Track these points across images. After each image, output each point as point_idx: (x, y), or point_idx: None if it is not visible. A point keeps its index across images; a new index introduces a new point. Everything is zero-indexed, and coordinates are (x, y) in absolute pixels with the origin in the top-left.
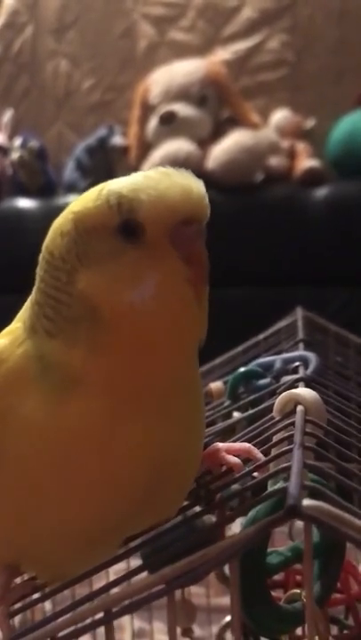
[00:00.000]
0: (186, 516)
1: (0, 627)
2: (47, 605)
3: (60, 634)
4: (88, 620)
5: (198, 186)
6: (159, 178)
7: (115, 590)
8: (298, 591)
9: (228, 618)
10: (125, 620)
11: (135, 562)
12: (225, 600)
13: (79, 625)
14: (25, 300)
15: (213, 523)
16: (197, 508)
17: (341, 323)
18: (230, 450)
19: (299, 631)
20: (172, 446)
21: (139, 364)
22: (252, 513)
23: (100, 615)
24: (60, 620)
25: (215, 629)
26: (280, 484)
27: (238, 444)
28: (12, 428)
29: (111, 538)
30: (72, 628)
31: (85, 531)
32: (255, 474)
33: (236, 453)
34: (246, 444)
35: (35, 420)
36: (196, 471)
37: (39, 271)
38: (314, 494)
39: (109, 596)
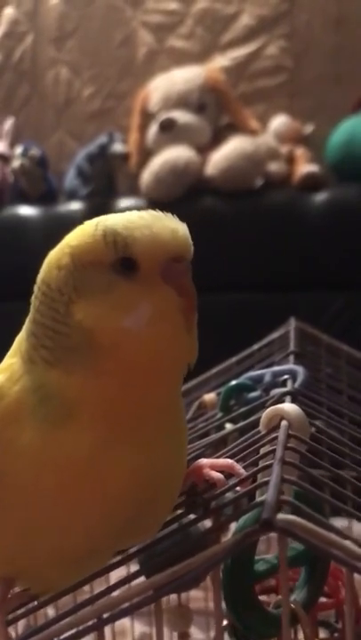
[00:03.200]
0: (181, 523)
1: None
2: (50, 611)
3: (62, 636)
4: (89, 623)
5: (184, 228)
6: (151, 219)
7: (115, 593)
8: None
9: (225, 622)
10: (127, 624)
11: (136, 567)
12: (223, 604)
13: (80, 627)
14: (25, 306)
15: (206, 529)
16: (192, 516)
17: (340, 328)
18: (214, 466)
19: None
20: (160, 467)
21: (133, 389)
22: (241, 521)
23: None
24: (62, 622)
25: (213, 633)
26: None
27: (222, 460)
28: (11, 458)
29: (101, 555)
30: (74, 631)
31: (78, 550)
32: (238, 488)
33: (219, 469)
34: (229, 461)
35: (32, 450)
36: (179, 489)
37: (35, 302)
38: (295, 508)
39: (101, 602)
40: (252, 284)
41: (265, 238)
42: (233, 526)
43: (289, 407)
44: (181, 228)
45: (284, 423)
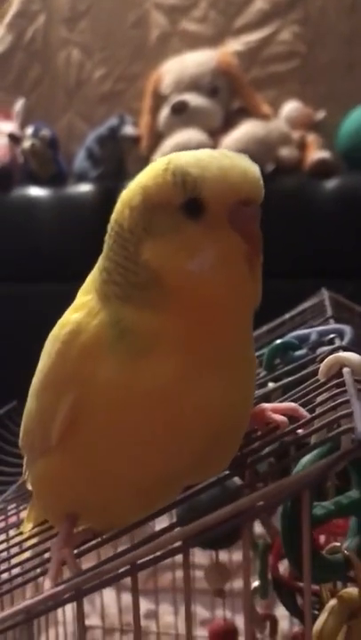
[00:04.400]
0: (219, 476)
1: (69, 566)
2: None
3: (139, 561)
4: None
5: (255, 169)
6: (221, 158)
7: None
8: (338, 544)
9: (256, 583)
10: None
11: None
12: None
13: (157, 553)
14: (36, 287)
15: (243, 483)
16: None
17: None
18: (276, 409)
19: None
20: (232, 402)
21: (201, 327)
22: (299, 466)
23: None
24: (140, 549)
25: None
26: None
27: (284, 404)
28: (91, 392)
29: (172, 489)
30: (151, 556)
31: (151, 483)
32: (300, 431)
33: (282, 412)
34: (292, 404)
35: (112, 383)
36: (246, 428)
37: (108, 240)
38: None
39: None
40: (261, 270)
41: (274, 223)
42: None
43: (351, 355)
44: (253, 170)
45: (346, 369)
